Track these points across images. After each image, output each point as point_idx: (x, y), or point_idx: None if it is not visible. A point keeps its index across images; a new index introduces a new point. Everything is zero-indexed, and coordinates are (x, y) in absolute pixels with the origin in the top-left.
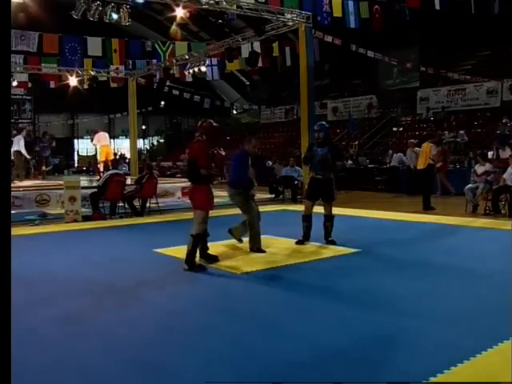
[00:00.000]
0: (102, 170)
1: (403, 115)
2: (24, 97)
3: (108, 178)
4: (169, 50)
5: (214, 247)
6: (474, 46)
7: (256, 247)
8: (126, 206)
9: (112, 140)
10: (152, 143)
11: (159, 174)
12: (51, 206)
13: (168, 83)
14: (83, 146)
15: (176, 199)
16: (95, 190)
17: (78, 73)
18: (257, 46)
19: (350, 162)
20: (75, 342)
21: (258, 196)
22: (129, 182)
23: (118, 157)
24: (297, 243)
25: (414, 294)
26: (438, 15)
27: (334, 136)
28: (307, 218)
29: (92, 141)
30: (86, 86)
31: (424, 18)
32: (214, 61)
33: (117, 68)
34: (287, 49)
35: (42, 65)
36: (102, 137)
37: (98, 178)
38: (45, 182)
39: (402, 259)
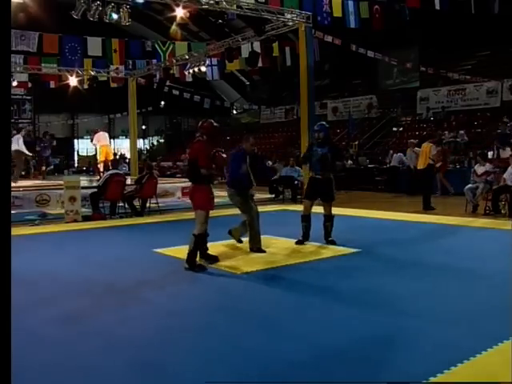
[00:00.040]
0: (101, 170)
1: (403, 115)
2: (24, 97)
3: (108, 178)
4: (169, 50)
5: (213, 247)
6: (474, 45)
7: (256, 247)
8: (126, 206)
9: (112, 140)
10: (152, 143)
11: (159, 174)
12: (51, 206)
13: (168, 83)
14: (83, 146)
15: (176, 199)
16: (95, 190)
17: (78, 73)
18: (257, 46)
19: (349, 161)
20: (75, 342)
21: (258, 196)
22: (129, 182)
23: (117, 157)
24: (297, 243)
25: (413, 293)
26: (438, 15)
27: (333, 136)
28: (306, 217)
29: (92, 141)
30: (86, 86)
31: (424, 18)
32: (214, 61)
33: (117, 68)
34: (287, 49)
35: (42, 65)
36: (102, 137)
37: (98, 177)
38: (45, 182)
39: (402, 259)
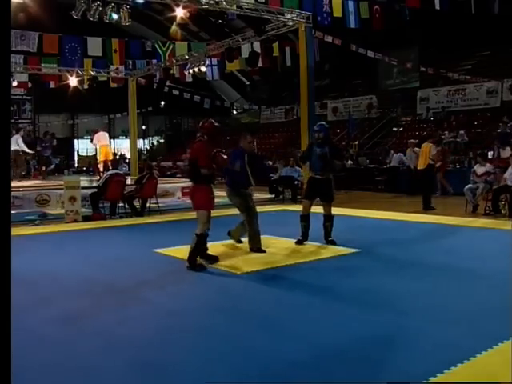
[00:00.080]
0: (101, 170)
1: (403, 115)
2: (24, 97)
3: (108, 178)
4: (169, 50)
5: (213, 247)
6: (474, 45)
7: (256, 247)
8: (126, 206)
9: (112, 140)
10: (152, 143)
11: (159, 174)
12: (51, 206)
13: (168, 83)
14: (83, 146)
15: (176, 199)
16: (95, 190)
17: (78, 73)
18: (257, 46)
19: (350, 162)
20: (75, 342)
21: (258, 196)
22: (129, 182)
23: (117, 157)
24: (296, 243)
25: (413, 293)
26: (438, 15)
27: (334, 136)
28: (305, 217)
29: (92, 140)
30: (86, 86)
31: (424, 18)
32: (214, 61)
33: (117, 68)
34: (287, 49)
35: (42, 65)
36: (102, 137)
37: (98, 178)
38: (45, 182)
39: (402, 259)
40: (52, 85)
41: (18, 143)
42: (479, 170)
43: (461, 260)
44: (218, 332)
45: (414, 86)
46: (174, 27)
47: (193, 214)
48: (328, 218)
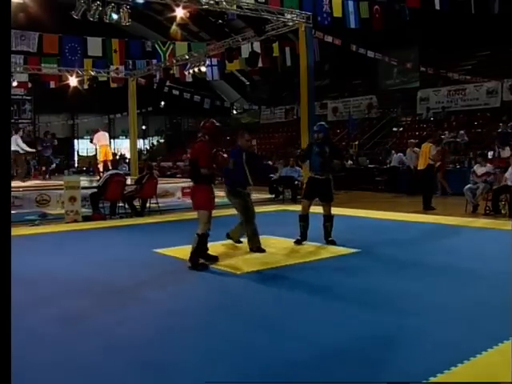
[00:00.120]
0: (101, 170)
1: (403, 115)
2: (24, 97)
3: (108, 178)
4: (169, 50)
5: (213, 247)
6: (474, 45)
7: (256, 246)
8: (126, 206)
9: (112, 140)
10: (152, 143)
11: (159, 174)
12: (51, 206)
13: (168, 83)
14: (83, 147)
15: (176, 199)
16: (95, 190)
17: (78, 73)
18: (257, 46)
19: (350, 162)
20: (75, 342)
21: (258, 196)
22: (129, 182)
23: (117, 157)
24: (295, 243)
25: (414, 294)
26: (438, 15)
27: (334, 136)
28: (304, 217)
29: (92, 140)
30: (86, 86)
31: (424, 18)
32: (214, 61)
33: (117, 68)
34: (287, 49)
35: (42, 65)
36: (102, 137)
37: (98, 178)
38: (45, 182)
39: (402, 259)
40: (52, 85)
41: (17, 143)
42: (479, 170)
43: (461, 260)
44: (218, 332)
45: (414, 86)
46: (174, 27)
47: (193, 214)
48: (328, 218)
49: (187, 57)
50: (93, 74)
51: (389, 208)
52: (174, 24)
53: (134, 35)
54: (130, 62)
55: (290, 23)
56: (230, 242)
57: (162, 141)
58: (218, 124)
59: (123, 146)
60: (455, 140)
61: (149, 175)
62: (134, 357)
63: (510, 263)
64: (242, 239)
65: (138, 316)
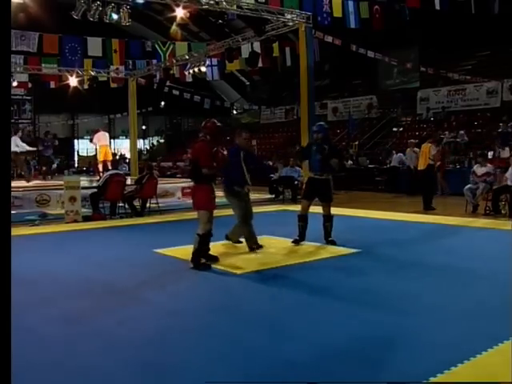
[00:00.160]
0: (100, 170)
1: (403, 115)
2: (24, 97)
3: (108, 179)
4: (169, 51)
5: (213, 247)
6: (474, 45)
7: (255, 245)
8: (126, 206)
9: (112, 140)
10: (152, 143)
11: (159, 175)
12: (51, 206)
13: (168, 83)
14: (83, 147)
15: (176, 199)
16: (95, 190)
17: (78, 73)
18: (257, 47)
19: (350, 162)
20: (75, 342)
21: (258, 196)
22: (129, 182)
23: (117, 157)
24: (293, 242)
25: (414, 294)
26: (438, 15)
27: (334, 136)
28: (303, 217)
29: (92, 140)
30: (86, 87)
31: (424, 18)
32: (214, 61)
33: (117, 68)
34: (287, 49)
35: (42, 65)
36: (102, 137)
37: (98, 178)
38: (45, 182)
39: (402, 259)
40: (52, 85)
41: (16, 144)
42: (479, 170)
43: (461, 260)
44: (218, 332)
45: (414, 86)
46: (174, 27)
47: (193, 214)
48: (327, 218)
49: (187, 57)
50: (93, 74)
51: (389, 208)
52: (174, 24)
53: (134, 35)
54: (130, 62)
55: (290, 23)
56: (229, 242)
57: (162, 141)
58: (219, 124)
59: (123, 146)
60: (455, 140)
61: (149, 175)
62: (134, 357)
63: (510, 263)
64: (241, 239)
65: (138, 316)
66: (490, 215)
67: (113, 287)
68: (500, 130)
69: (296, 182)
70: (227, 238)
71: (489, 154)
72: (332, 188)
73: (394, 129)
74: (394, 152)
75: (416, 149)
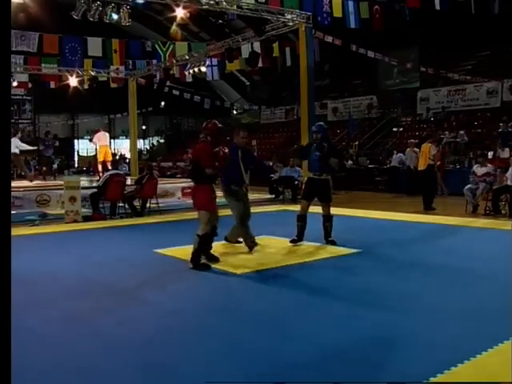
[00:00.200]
0: (100, 170)
1: (403, 115)
2: (24, 97)
3: (108, 179)
4: (169, 51)
5: (213, 247)
6: (474, 45)
7: (254, 244)
8: (126, 206)
9: (112, 140)
10: (152, 143)
11: (159, 175)
12: (51, 207)
13: (168, 83)
14: (83, 147)
15: (176, 199)
16: (95, 190)
17: (78, 73)
18: (257, 47)
19: (350, 162)
20: (75, 342)
21: (258, 196)
22: (129, 182)
23: (118, 157)
24: (291, 242)
25: (414, 294)
26: (438, 15)
27: (334, 136)
28: (302, 217)
29: (92, 140)
30: (86, 87)
31: (424, 18)
32: (214, 61)
33: (117, 68)
34: (287, 49)
35: (42, 65)
36: (102, 137)
37: (98, 178)
38: (45, 183)
39: (402, 259)
40: (52, 85)
41: (16, 146)
42: (479, 170)
43: (461, 260)
44: (218, 332)
45: (414, 86)
46: (174, 27)
47: (193, 214)
48: (327, 219)
49: (187, 57)
50: (93, 74)
51: (389, 208)
52: (174, 24)
53: (134, 35)
54: (130, 62)
55: (290, 23)
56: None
57: (162, 141)
58: (220, 125)
59: (123, 146)
60: (455, 140)
61: (149, 175)
62: (134, 357)
63: (510, 263)
64: (240, 239)
65: (138, 316)
66: (490, 215)
67: (113, 287)
68: (500, 130)
69: (296, 182)
70: (226, 239)
71: (489, 154)
72: (331, 188)
73: (394, 129)
74: (395, 152)
75: (416, 149)
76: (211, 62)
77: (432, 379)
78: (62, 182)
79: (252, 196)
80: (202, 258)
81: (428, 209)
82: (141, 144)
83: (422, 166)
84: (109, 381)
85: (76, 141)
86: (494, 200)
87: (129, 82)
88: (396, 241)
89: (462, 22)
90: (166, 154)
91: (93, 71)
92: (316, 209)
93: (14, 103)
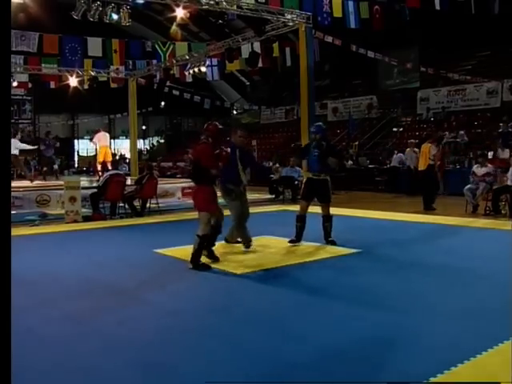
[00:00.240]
0: (99, 170)
1: (403, 115)
2: (24, 97)
3: (108, 179)
4: (169, 51)
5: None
6: (474, 46)
7: (247, 242)
8: (126, 206)
9: (112, 140)
10: (152, 143)
11: (159, 175)
12: (51, 207)
13: (168, 83)
14: (83, 147)
15: (176, 199)
16: (95, 190)
17: (78, 73)
18: (257, 47)
19: (350, 162)
20: (75, 342)
21: (258, 196)
22: (129, 182)
23: (118, 157)
24: (290, 242)
25: (414, 294)
26: (438, 15)
27: (334, 136)
28: (301, 218)
29: (92, 139)
30: (86, 87)
31: (424, 18)
32: (214, 61)
33: (117, 68)
34: (287, 49)
35: (42, 65)
36: (103, 137)
37: (98, 178)
38: (45, 183)
39: (402, 259)
40: (52, 85)
41: (16, 147)
42: (479, 170)
43: (461, 260)
44: (218, 332)
45: (414, 86)
46: (174, 27)
47: (193, 214)
48: (327, 219)
49: (187, 57)
50: (93, 74)
51: (389, 208)
52: (174, 24)
53: (134, 35)
54: (130, 62)
55: (290, 23)
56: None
57: (162, 141)
58: (220, 127)
59: (123, 146)
60: (455, 140)
61: (149, 175)
62: (134, 357)
63: (510, 263)
64: (239, 239)
65: (138, 316)
66: (490, 215)
67: (113, 287)
68: (500, 131)
69: (296, 182)
70: (226, 240)
71: (489, 154)
72: (330, 188)
73: (394, 129)
74: (396, 152)
75: (416, 149)
76: (211, 62)
77: (432, 379)
78: (61, 182)
79: (252, 196)
80: (203, 255)
81: (428, 209)
82: (141, 144)
83: (422, 167)
84: (109, 381)
85: (76, 141)
86: (494, 200)
87: (129, 82)
88: (396, 241)
89: (462, 22)
90: (166, 154)
91: (93, 71)
92: (316, 209)
93: (14, 103)
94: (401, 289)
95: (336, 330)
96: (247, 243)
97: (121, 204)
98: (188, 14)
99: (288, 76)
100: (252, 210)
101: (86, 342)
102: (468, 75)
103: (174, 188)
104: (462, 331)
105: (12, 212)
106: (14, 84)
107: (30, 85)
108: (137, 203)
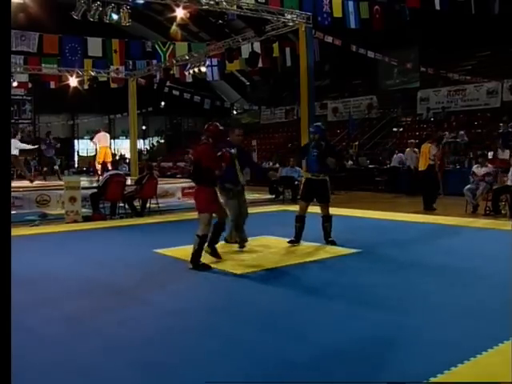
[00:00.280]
0: (99, 170)
1: (403, 115)
2: (24, 97)
3: (108, 179)
4: (169, 51)
5: None
6: (474, 46)
7: (242, 244)
8: (126, 206)
9: (112, 140)
10: (152, 144)
11: (159, 175)
12: (51, 207)
13: (168, 84)
14: (83, 147)
15: (176, 199)
16: (95, 190)
17: (78, 73)
18: (257, 47)
19: (350, 162)
20: (75, 342)
21: (258, 196)
22: (129, 182)
23: (118, 157)
24: (289, 243)
25: (414, 294)
26: (438, 15)
27: (334, 136)
28: (301, 218)
29: (92, 139)
30: (86, 87)
31: (424, 18)
32: (214, 61)
33: (117, 68)
34: (287, 49)
35: (42, 65)
36: (103, 137)
37: (97, 178)
38: (45, 183)
39: (402, 259)
40: (52, 85)
41: (16, 147)
42: (479, 170)
43: (461, 260)
44: (218, 332)
45: (414, 86)
46: (174, 27)
47: (193, 214)
48: (326, 219)
49: (187, 57)
50: (93, 74)
51: (389, 208)
52: (174, 24)
53: (134, 35)
54: (130, 63)
55: (290, 23)
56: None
57: (162, 141)
58: (221, 127)
59: (123, 147)
60: (455, 140)
61: (149, 175)
62: (134, 357)
63: (510, 263)
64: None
65: (138, 316)
66: (490, 215)
67: (113, 287)
68: (500, 131)
69: (296, 182)
70: (226, 240)
71: (489, 154)
72: (329, 188)
73: (394, 129)
74: (396, 152)
75: (416, 149)
76: (211, 62)
77: (432, 379)
78: (61, 182)
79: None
80: (206, 252)
81: (428, 209)
82: (141, 144)
83: (422, 167)
84: (109, 381)
85: (76, 141)
86: (494, 200)
87: (129, 82)
88: (396, 241)
89: (462, 22)
90: (166, 154)
91: (93, 71)
92: (315, 209)
93: (14, 103)
94: (401, 289)
95: (336, 330)
96: (241, 243)
97: (121, 204)
98: (188, 14)
99: (288, 76)
100: (252, 210)
101: (86, 342)
102: (468, 75)
103: (174, 188)
104: (462, 331)
105: (12, 212)
106: (14, 84)
107: (29, 85)
108: (137, 203)
